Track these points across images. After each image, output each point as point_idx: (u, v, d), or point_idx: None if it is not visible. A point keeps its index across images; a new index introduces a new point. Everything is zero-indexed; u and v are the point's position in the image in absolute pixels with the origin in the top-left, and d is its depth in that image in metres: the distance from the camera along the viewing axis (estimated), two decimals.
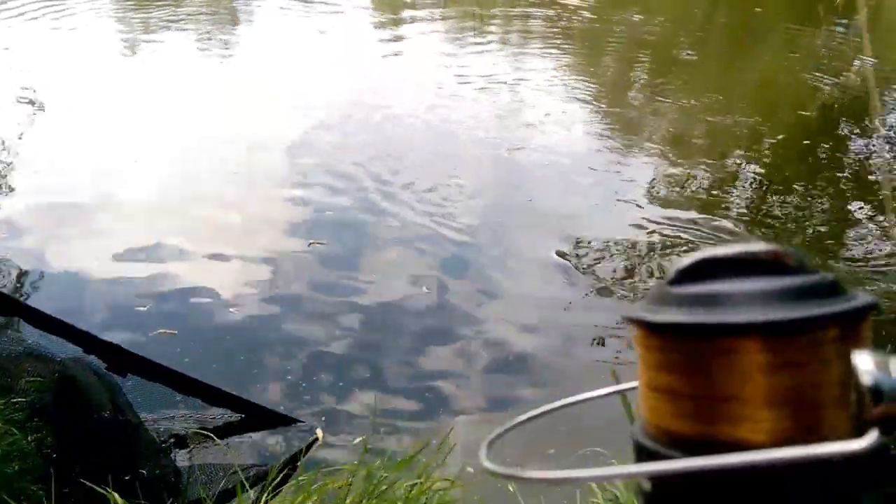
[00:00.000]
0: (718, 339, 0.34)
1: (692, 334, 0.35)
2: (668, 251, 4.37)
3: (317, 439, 2.83)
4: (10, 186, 4.98)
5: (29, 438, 2.39)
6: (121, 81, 7.27)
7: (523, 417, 0.45)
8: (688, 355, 0.35)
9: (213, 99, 6.89)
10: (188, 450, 2.62)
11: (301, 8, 10.85)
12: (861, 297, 0.35)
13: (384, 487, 2.31)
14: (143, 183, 5.06)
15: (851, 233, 4.77)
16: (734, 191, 5.39)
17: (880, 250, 4.48)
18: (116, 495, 2.16)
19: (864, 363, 0.33)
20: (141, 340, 3.23)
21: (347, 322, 3.65)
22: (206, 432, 2.59)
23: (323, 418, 2.99)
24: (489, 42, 9.34)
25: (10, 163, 5.30)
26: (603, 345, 3.55)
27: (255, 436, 2.84)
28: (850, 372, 0.33)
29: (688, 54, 8.84)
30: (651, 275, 4.11)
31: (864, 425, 0.33)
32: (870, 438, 0.32)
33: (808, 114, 6.93)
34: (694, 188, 5.38)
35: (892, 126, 6.55)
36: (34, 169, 5.24)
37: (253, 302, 3.77)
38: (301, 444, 2.73)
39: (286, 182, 5.19)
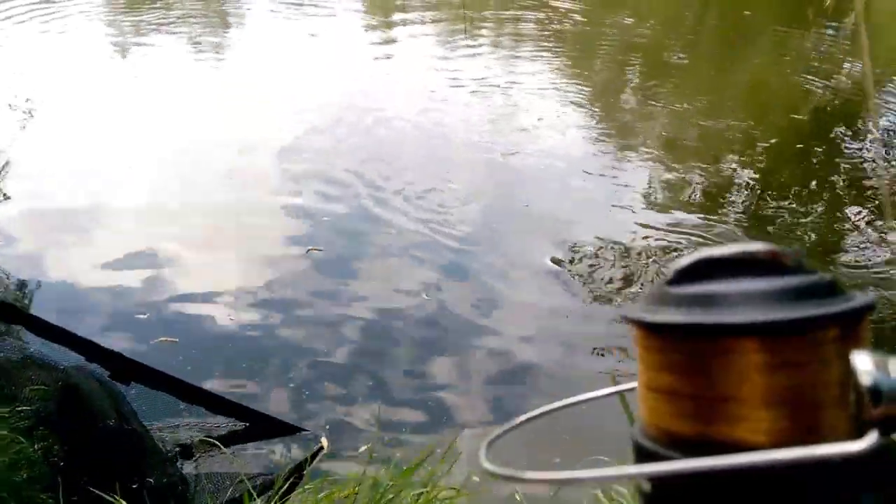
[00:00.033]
0: (717, 340, 0.34)
1: (691, 334, 0.35)
2: (665, 257, 4.39)
3: (322, 448, 2.84)
4: (3, 193, 4.95)
5: (35, 447, 2.39)
6: (113, 85, 7.24)
7: (523, 418, 0.45)
8: (687, 356, 0.35)
9: (205, 103, 6.87)
10: (194, 458, 2.62)
11: (292, 11, 10.83)
12: (860, 298, 0.35)
13: (390, 496, 2.32)
14: (139, 189, 5.04)
15: (849, 238, 4.79)
16: (729, 195, 5.42)
17: (878, 256, 4.51)
18: (124, 503, 2.16)
19: (864, 363, 0.33)
20: (142, 348, 3.22)
21: (348, 329, 3.66)
22: (212, 441, 2.59)
23: (327, 427, 2.99)
24: (481, 45, 9.36)
25: (2, 169, 5.26)
26: (603, 355, 3.56)
27: (261, 445, 2.84)
28: (849, 372, 0.33)
29: (679, 57, 8.91)
30: (650, 281, 4.13)
31: (864, 426, 0.33)
32: (869, 439, 0.32)
33: (800, 117, 6.99)
34: (689, 193, 5.41)
35: (885, 129, 6.61)
36: (28, 175, 5.21)
37: (253, 309, 3.77)
38: (306, 452, 2.74)
39: (281, 187, 5.18)
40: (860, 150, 6.16)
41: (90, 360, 2.86)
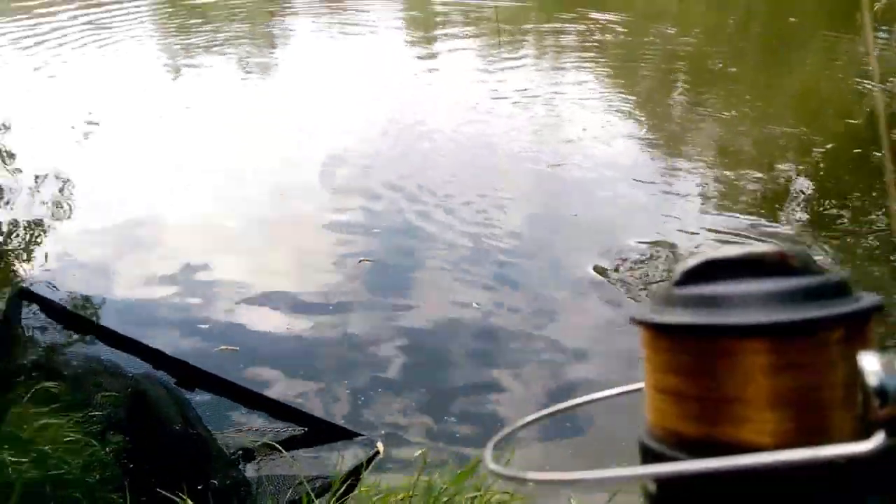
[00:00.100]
0: (723, 341, 0.34)
1: (697, 335, 0.35)
2: None
3: (378, 452, 2.90)
4: (67, 211, 5.17)
5: (106, 450, 2.50)
6: (165, 106, 7.48)
7: (530, 418, 0.46)
8: (693, 356, 0.35)
9: (253, 121, 7.05)
10: (256, 462, 2.70)
11: (334, 31, 11.07)
12: (867, 298, 0.35)
13: (445, 499, 2.36)
14: (195, 206, 5.21)
15: None
16: (786, 202, 5.30)
17: None
18: (191, 503, 2.25)
19: (871, 364, 0.33)
20: (205, 357, 3.33)
21: (400, 338, 3.71)
22: (273, 444, 2.68)
23: (382, 433, 3.05)
24: (522, 58, 9.41)
25: (66, 188, 5.49)
26: None
27: (319, 449, 2.91)
28: (855, 373, 0.33)
29: (726, 66, 8.81)
30: None
31: (871, 427, 0.32)
32: (876, 440, 0.31)
33: (856, 122, 6.84)
34: (744, 200, 5.31)
35: None
36: (91, 193, 5.42)
37: (308, 319, 3.86)
38: (362, 457, 2.80)
39: (330, 201, 5.29)
40: None
41: (157, 368, 2.98)
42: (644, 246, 4.54)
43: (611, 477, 0.34)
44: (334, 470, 2.71)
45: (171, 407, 2.75)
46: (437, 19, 11.83)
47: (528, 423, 0.46)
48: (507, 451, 2.48)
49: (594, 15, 11.30)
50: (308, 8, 12.91)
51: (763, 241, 4.58)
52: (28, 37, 9.99)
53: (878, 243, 4.68)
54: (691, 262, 0.38)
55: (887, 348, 0.34)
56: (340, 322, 3.82)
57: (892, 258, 4.54)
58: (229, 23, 11.38)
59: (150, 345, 3.06)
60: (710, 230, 4.78)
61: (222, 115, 7.21)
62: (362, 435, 2.98)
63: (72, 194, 5.39)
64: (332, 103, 7.43)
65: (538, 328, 3.79)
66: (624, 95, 7.84)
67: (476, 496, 2.38)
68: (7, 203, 5.21)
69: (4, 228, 4.80)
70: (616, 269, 4.31)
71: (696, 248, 4.54)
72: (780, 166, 5.95)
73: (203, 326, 3.74)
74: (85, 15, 11.29)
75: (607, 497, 2.36)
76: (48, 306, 3.02)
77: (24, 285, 3.65)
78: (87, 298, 3.88)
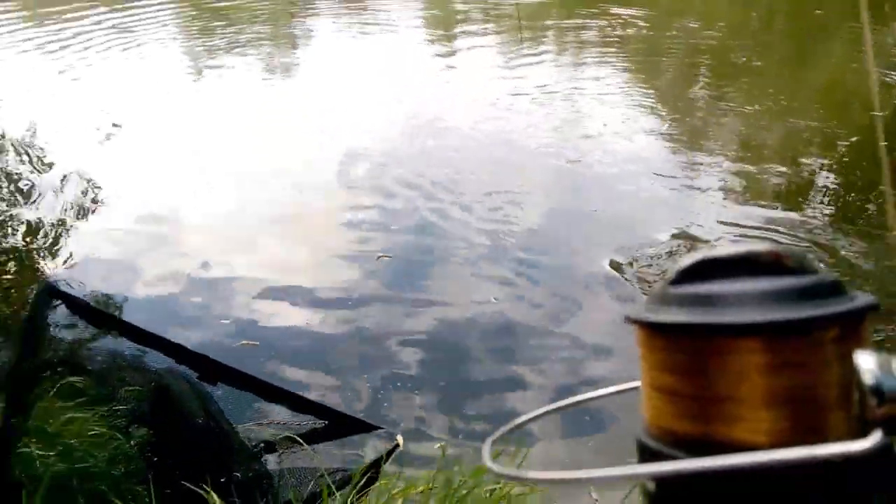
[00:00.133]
0: (719, 340, 0.34)
1: (693, 334, 0.35)
2: None
3: (398, 445, 2.91)
4: (93, 210, 5.26)
5: (131, 443, 2.54)
6: (189, 106, 7.59)
7: (527, 417, 0.46)
8: (689, 355, 0.35)
9: (274, 119, 7.12)
10: (278, 455, 2.73)
11: (355, 30, 11.12)
12: (861, 298, 0.35)
13: (464, 492, 2.37)
14: (218, 205, 5.28)
15: None
16: (811, 195, 5.22)
17: None
18: (215, 495, 2.27)
19: (866, 363, 0.33)
20: (226, 351, 3.37)
21: (420, 332, 3.73)
22: (295, 437, 2.70)
23: (402, 425, 3.07)
24: (543, 53, 9.39)
25: (90, 187, 5.58)
26: None
27: (340, 442, 2.93)
28: (851, 372, 0.33)
29: (750, 59, 8.72)
30: None
31: (868, 426, 0.32)
32: (873, 439, 0.32)
33: (882, 114, 6.72)
34: (768, 196, 5.23)
35: None
36: (115, 192, 5.51)
37: (327, 314, 3.89)
38: (382, 450, 2.82)
39: (349, 197, 5.33)
40: None
41: (179, 363, 3.02)
42: (664, 242, 4.51)
43: (609, 476, 0.35)
44: (355, 463, 2.73)
45: (194, 401, 2.78)
46: (458, 17, 11.84)
47: (526, 422, 0.46)
48: (522, 449, 2.50)
49: (616, 10, 11.24)
50: (329, 8, 12.99)
51: (773, 238, 4.53)
52: (53, 41, 10.16)
53: None
54: (686, 261, 0.38)
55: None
56: (360, 317, 3.85)
57: None
58: (251, 24, 11.48)
59: (173, 340, 3.10)
60: (731, 225, 4.73)
61: (244, 115, 7.28)
62: (382, 428, 3.00)
63: (96, 194, 5.48)
64: (352, 103, 7.48)
65: (557, 324, 3.79)
66: (645, 90, 7.79)
67: (495, 489, 2.39)
68: (33, 202, 5.31)
69: (31, 227, 4.90)
70: (634, 265, 4.28)
71: (715, 241, 4.50)
72: (804, 160, 5.87)
73: (224, 322, 3.79)
74: (109, 19, 11.46)
75: (628, 489, 2.35)
76: (73, 303, 3.07)
77: (51, 282, 3.71)
78: (110, 295, 3.95)
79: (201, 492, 2.28)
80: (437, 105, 7.27)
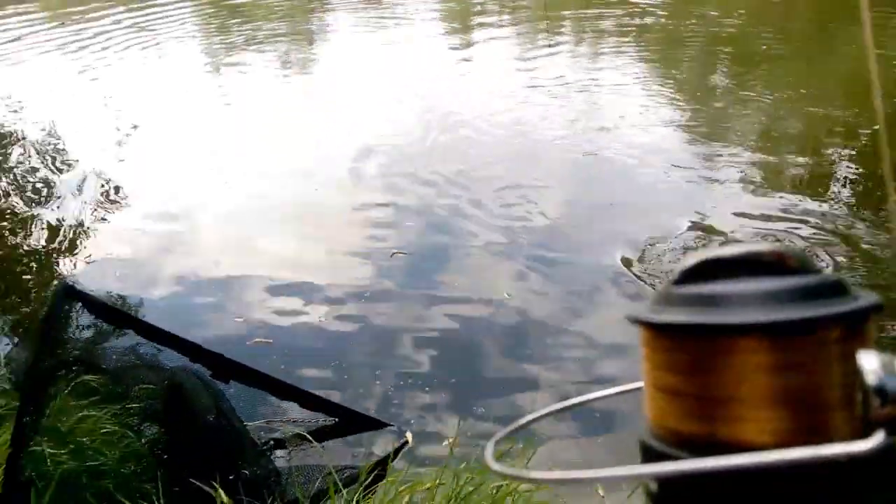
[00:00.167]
0: (722, 340, 0.34)
1: (696, 334, 0.35)
2: None
3: (407, 442, 2.93)
4: (111, 210, 5.34)
5: (142, 441, 2.58)
6: (208, 102, 7.66)
7: (530, 417, 0.46)
8: (692, 355, 0.35)
9: (292, 117, 7.16)
10: (287, 452, 2.76)
11: (372, 25, 11.13)
12: (865, 298, 0.35)
13: (471, 489, 2.38)
14: (233, 202, 5.33)
15: None
16: (831, 185, 5.14)
17: None
18: (223, 493, 2.30)
19: (870, 363, 0.33)
20: (240, 349, 3.41)
21: (433, 330, 3.74)
22: (304, 435, 2.73)
23: (412, 422, 3.08)
24: (560, 45, 9.32)
25: (108, 187, 5.66)
26: None
27: (349, 439, 2.96)
28: (854, 372, 0.33)
29: (770, 46, 8.59)
30: None
31: (871, 426, 0.32)
32: (876, 439, 0.32)
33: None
34: (788, 186, 5.14)
35: None
36: (132, 192, 5.59)
37: (341, 312, 3.91)
38: (391, 447, 2.83)
39: (365, 192, 5.35)
40: None
41: (194, 361, 3.05)
42: (678, 237, 4.45)
43: (612, 476, 0.35)
44: (363, 460, 2.75)
45: (207, 399, 2.81)
46: (474, 9, 11.79)
47: (530, 423, 0.46)
48: (529, 449, 2.50)
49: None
50: (345, 3, 13.01)
51: (792, 229, 4.47)
52: (73, 41, 10.30)
53: None
54: (690, 261, 0.38)
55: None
56: (373, 314, 3.87)
57: None
58: (268, 21, 11.54)
59: (188, 338, 3.13)
60: (748, 217, 4.66)
61: (262, 113, 7.33)
62: (391, 425, 3.02)
63: (114, 194, 5.56)
64: (369, 98, 7.49)
65: (570, 322, 3.77)
66: (663, 80, 7.71)
67: (501, 485, 2.39)
68: (53, 202, 5.40)
69: (51, 227, 4.98)
70: (647, 262, 4.24)
71: (731, 233, 4.45)
72: (824, 150, 5.78)
73: (239, 320, 3.83)
74: (128, 18, 11.58)
75: (632, 488, 2.34)
76: (90, 303, 3.11)
77: (68, 282, 3.77)
78: (127, 294, 4.01)
79: (210, 490, 2.32)
80: (452, 99, 7.26)
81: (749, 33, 9.34)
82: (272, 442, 2.80)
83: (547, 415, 0.47)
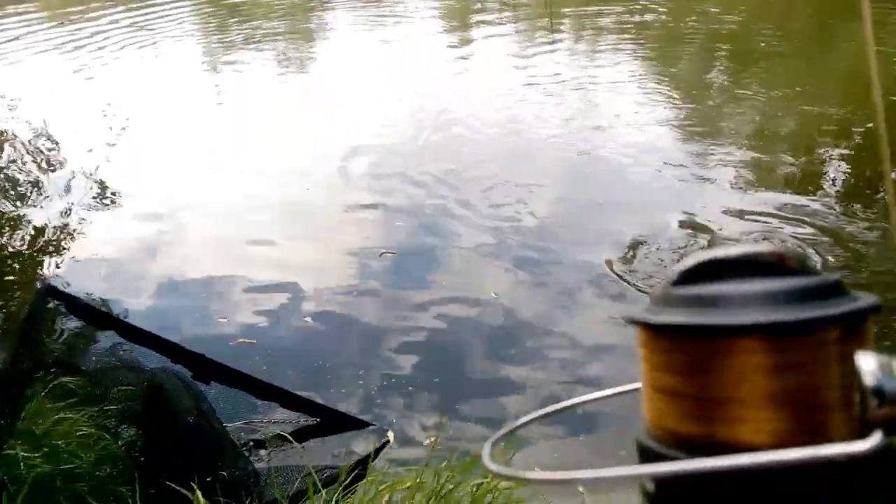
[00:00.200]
0: (720, 340, 0.34)
1: (694, 335, 0.35)
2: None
3: (388, 442, 2.91)
4: (96, 210, 5.32)
5: (119, 443, 2.56)
6: (205, 100, 7.65)
7: (528, 418, 0.46)
8: (690, 356, 0.35)
9: (290, 114, 7.15)
10: (267, 453, 2.74)
11: (371, 23, 11.11)
12: (864, 299, 0.35)
13: (451, 487, 2.36)
14: (223, 200, 5.32)
15: None
16: (822, 184, 5.12)
17: None
18: (200, 494, 2.29)
19: (868, 364, 0.33)
20: (222, 350, 3.39)
21: (417, 330, 3.73)
22: (284, 435, 2.71)
23: (393, 421, 3.07)
24: (558, 42, 9.29)
25: (97, 187, 5.65)
26: None
27: (330, 439, 2.94)
28: (853, 373, 0.33)
29: (770, 44, 8.53)
30: None
31: (868, 427, 0.32)
32: (873, 440, 0.32)
33: None
34: (781, 185, 5.13)
35: None
36: (122, 191, 5.58)
37: (325, 312, 3.90)
38: (373, 446, 2.81)
39: (355, 190, 5.33)
40: None
41: (175, 362, 3.04)
42: (669, 235, 4.42)
43: (609, 476, 0.35)
44: (344, 459, 2.73)
45: (187, 400, 2.79)
46: (474, 7, 11.76)
47: (527, 423, 0.46)
48: (510, 450, 2.48)
49: None
50: (345, 2, 12.99)
51: (781, 227, 4.44)
52: (70, 41, 10.30)
53: None
54: (688, 261, 0.38)
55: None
56: (358, 314, 3.85)
57: None
58: (268, 20, 11.53)
59: (170, 339, 3.12)
60: (738, 214, 4.63)
61: (258, 111, 7.33)
62: (373, 425, 3.00)
63: (103, 193, 5.55)
64: (367, 97, 7.48)
65: (557, 323, 3.75)
66: (660, 78, 7.68)
67: (482, 483, 2.38)
68: (43, 202, 5.39)
69: (37, 227, 4.97)
70: (635, 262, 4.21)
71: (718, 230, 4.41)
72: (817, 148, 5.75)
73: (222, 320, 3.82)
74: (126, 17, 11.58)
75: (617, 487, 2.32)
76: (71, 303, 3.11)
77: (50, 283, 3.77)
78: (110, 295, 4.00)
79: (186, 492, 2.30)
80: (449, 97, 7.24)
81: (749, 30, 9.29)
82: (252, 443, 2.78)
83: (545, 415, 0.47)
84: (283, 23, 11.48)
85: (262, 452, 2.75)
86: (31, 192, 5.58)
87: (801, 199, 4.84)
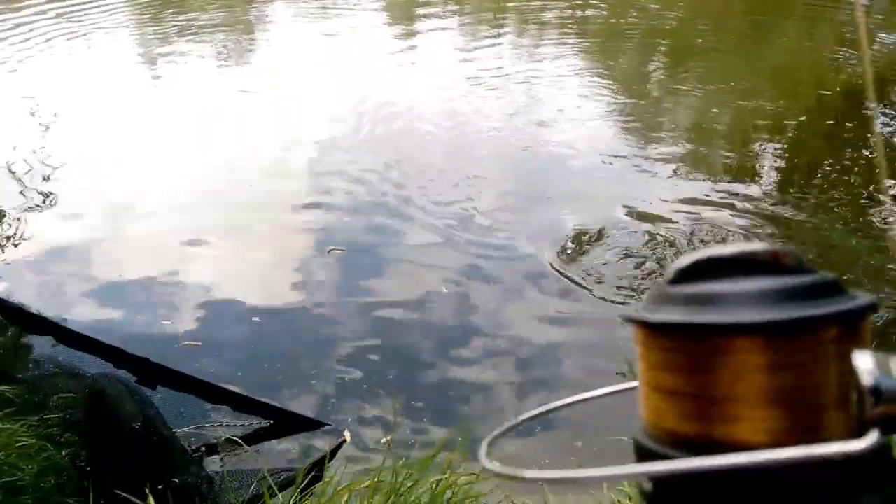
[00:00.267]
0: (717, 339, 0.34)
1: (691, 334, 0.35)
2: (699, 245, 4.28)
3: (344, 441, 2.88)
4: (32, 205, 5.09)
5: (63, 453, 2.46)
6: (141, 96, 7.39)
7: (524, 417, 0.46)
8: (688, 355, 0.35)
9: (229, 109, 6.97)
10: (219, 458, 2.67)
11: (313, 16, 10.93)
12: (861, 297, 0.35)
13: (409, 484, 2.34)
14: (160, 199, 5.15)
15: (881, 213, 4.64)
16: (757, 177, 5.31)
17: None
18: (153, 502, 2.21)
19: (865, 363, 0.33)
20: (168, 353, 3.29)
21: (368, 326, 3.69)
22: (236, 440, 2.64)
23: (349, 420, 3.03)
24: (501, 37, 9.33)
25: (28, 182, 5.41)
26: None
27: (285, 440, 2.89)
28: (849, 372, 0.33)
29: (707, 40, 8.75)
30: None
31: (865, 426, 0.32)
32: (870, 439, 0.32)
33: (829, 93, 6.80)
34: (718, 173, 5.31)
35: None
36: (55, 188, 5.35)
37: (274, 310, 3.82)
38: (329, 446, 2.76)
39: (301, 187, 5.25)
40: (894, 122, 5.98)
41: (117, 367, 2.93)
42: (614, 236, 4.45)
43: (606, 475, 0.35)
44: (300, 461, 2.68)
45: (131, 406, 2.69)
46: (418, 0, 11.70)
47: (523, 422, 0.45)
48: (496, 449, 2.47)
49: None
50: None
51: (716, 212, 4.59)
52: None
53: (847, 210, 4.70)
54: (685, 260, 0.38)
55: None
56: (307, 313, 3.79)
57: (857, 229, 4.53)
58: (205, 11, 11.22)
59: (111, 343, 3.00)
60: (679, 203, 4.75)
61: (195, 106, 7.13)
62: (328, 424, 2.96)
63: (33, 193, 5.30)
64: (307, 87, 7.36)
65: (506, 318, 3.76)
66: (601, 74, 7.79)
67: (441, 479, 2.37)
68: None
69: None
70: (587, 255, 4.27)
71: (665, 227, 4.51)
72: (751, 139, 5.94)
73: (166, 322, 3.70)
74: (53, 8, 11.10)
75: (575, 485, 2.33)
76: (3, 307, 2.97)
77: None
78: (43, 299, 3.83)
79: (138, 501, 2.22)
80: (393, 92, 7.19)
81: (687, 27, 9.50)
82: (204, 448, 2.69)
83: (540, 415, 0.46)
84: (221, 14, 11.18)
85: (215, 457, 2.68)
86: None
87: (737, 187, 5.01)
